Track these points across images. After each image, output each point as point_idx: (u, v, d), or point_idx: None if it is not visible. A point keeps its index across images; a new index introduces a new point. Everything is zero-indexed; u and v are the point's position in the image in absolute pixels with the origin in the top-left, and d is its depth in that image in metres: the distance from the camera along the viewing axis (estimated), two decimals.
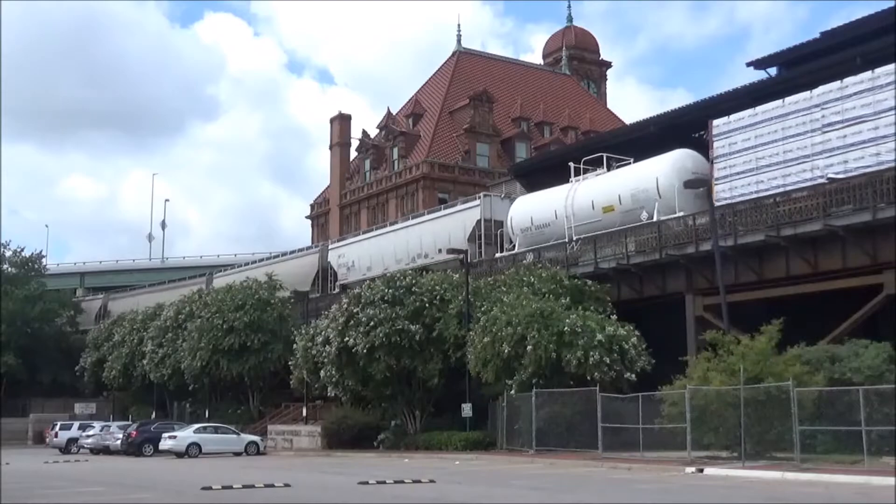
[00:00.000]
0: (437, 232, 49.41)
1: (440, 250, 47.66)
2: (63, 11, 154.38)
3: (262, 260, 66.20)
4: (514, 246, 44.83)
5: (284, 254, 65.94)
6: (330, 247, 59.51)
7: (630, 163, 40.26)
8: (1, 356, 69.46)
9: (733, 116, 34.85)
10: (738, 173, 34.23)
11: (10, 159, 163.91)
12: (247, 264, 67.12)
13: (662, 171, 37.22)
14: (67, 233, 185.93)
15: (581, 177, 41.86)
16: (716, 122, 35.48)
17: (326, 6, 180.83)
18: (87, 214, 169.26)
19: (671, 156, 37.64)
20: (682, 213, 35.35)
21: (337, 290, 55.37)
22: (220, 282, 61.99)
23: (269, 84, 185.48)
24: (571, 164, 42.60)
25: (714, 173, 35.03)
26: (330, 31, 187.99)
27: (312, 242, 72.74)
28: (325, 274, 58.16)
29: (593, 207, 39.63)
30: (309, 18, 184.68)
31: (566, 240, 40.20)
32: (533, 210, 43.78)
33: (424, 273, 41.67)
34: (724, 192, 34.33)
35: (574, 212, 40.39)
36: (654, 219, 36.32)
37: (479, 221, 47.27)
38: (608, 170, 41.07)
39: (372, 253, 53.98)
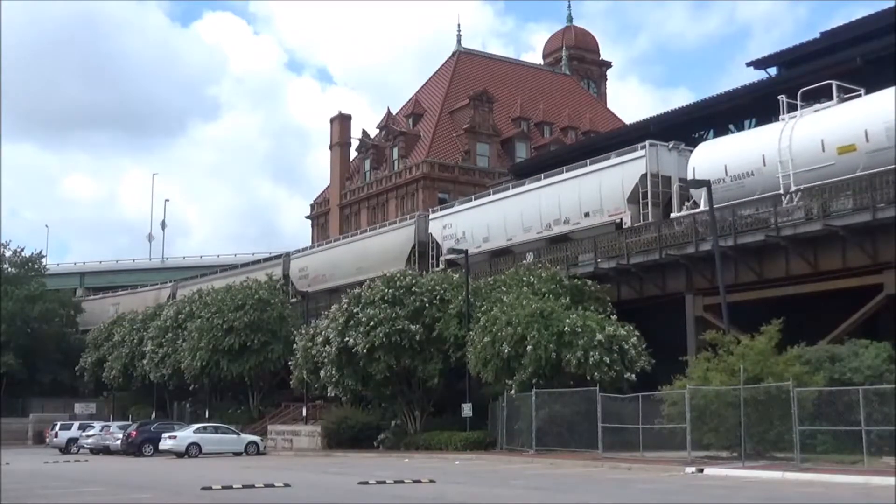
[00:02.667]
0: (585, 191, 40.48)
1: (587, 214, 40.19)
2: (63, 11, 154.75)
3: (345, 237, 60.85)
4: (693, 203, 36.09)
5: (374, 228, 58.97)
6: (431, 217, 50.96)
7: (861, 94, 31.65)
8: (1, 356, 69.53)
9: None
10: None
11: (10, 159, 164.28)
12: (325, 242, 62.54)
13: None
14: (67, 233, 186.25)
15: (798, 112, 32.73)
16: None
17: (326, 6, 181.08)
18: (87, 214, 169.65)
19: None
20: None
21: (441, 266, 47.58)
22: (299, 263, 59.51)
23: (269, 84, 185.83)
24: (782, 98, 33.29)
25: None
26: (330, 31, 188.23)
27: (312, 242, 72.36)
28: (424, 248, 50.63)
29: (823, 149, 31.01)
30: (308, 18, 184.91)
31: (780, 191, 32.04)
32: (727, 157, 34.51)
33: (423, 273, 41.53)
34: None
35: (792, 156, 31.76)
36: None
37: (643, 177, 37.79)
38: (837, 102, 32.16)
39: (490, 221, 45.66)
